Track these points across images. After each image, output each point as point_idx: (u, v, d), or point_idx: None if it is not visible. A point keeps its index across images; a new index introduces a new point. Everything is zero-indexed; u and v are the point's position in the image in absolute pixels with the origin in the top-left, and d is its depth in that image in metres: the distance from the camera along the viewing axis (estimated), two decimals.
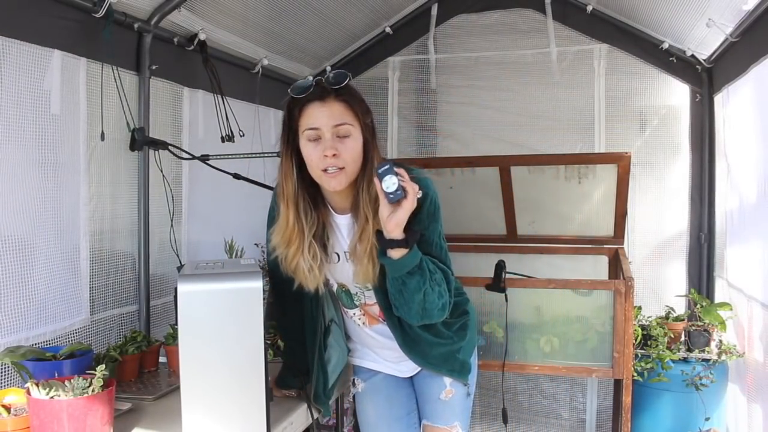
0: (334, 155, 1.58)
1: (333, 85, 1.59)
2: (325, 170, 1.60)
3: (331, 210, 1.74)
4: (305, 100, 1.60)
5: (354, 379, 2.05)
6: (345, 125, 1.59)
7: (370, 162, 1.64)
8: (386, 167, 1.53)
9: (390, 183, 1.53)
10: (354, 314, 1.88)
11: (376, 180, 1.55)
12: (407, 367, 1.95)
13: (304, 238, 1.67)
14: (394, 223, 1.55)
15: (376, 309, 1.82)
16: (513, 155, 3.24)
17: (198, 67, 2.70)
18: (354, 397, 2.07)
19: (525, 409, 3.59)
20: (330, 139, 1.58)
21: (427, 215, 1.66)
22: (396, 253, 1.59)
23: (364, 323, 1.89)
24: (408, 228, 1.58)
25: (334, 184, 1.62)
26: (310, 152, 1.60)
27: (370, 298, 1.80)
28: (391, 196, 1.53)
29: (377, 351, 1.95)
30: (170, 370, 2.13)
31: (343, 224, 1.74)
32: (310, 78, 1.64)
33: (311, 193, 1.70)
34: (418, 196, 1.57)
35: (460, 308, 1.91)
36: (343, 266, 1.77)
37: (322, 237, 1.72)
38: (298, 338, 1.89)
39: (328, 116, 1.58)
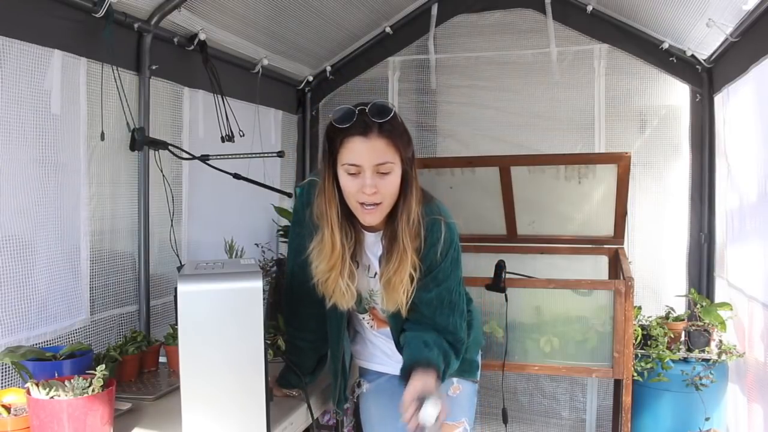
0: (374, 192, 1.57)
1: (377, 118, 1.55)
2: (362, 204, 1.59)
3: (360, 227, 1.73)
4: (348, 132, 1.56)
5: (360, 381, 2.05)
6: (387, 164, 1.57)
7: (410, 191, 1.62)
8: (432, 398, 1.51)
9: (427, 415, 1.49)
10: (364, 318, 1.89)
11: (411, 400, 1.53)
12: None
13: (345, 261, 1.67)
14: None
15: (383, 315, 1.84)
16: (513, 155, 3.24)
17: (198, 67, 2.70)
18: (357, 397, 2.07)
19: (525, 409, 3.59)
20: (370, 177, 1.56)
21: (451, 262, 1.68)
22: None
23: (372, 326, 1.90)
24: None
25: (369, 219, 1.62)
26: (348, 185, 1.59)
27: (377, 306, 1.81)
28: (423, 428, 1.50)
29: (386, 351, 1.95)
30: (170, 370, 2.13)
31: (368, 241, 1.74)
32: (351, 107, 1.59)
33: (347, 213, 1.67)
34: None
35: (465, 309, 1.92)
36: (361, 275, 1.77)
37: (357, 254, 1.73)
38: (308, 339, 1.90)
39: (370, 153, 1.55)
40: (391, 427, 1.96)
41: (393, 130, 1.57)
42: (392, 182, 1.59)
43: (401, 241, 1.62)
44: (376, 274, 1.74)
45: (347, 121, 1.55)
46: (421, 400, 1.52)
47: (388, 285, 1.67)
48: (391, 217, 1.65)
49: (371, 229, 1.72)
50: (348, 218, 1.67)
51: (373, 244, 1.73)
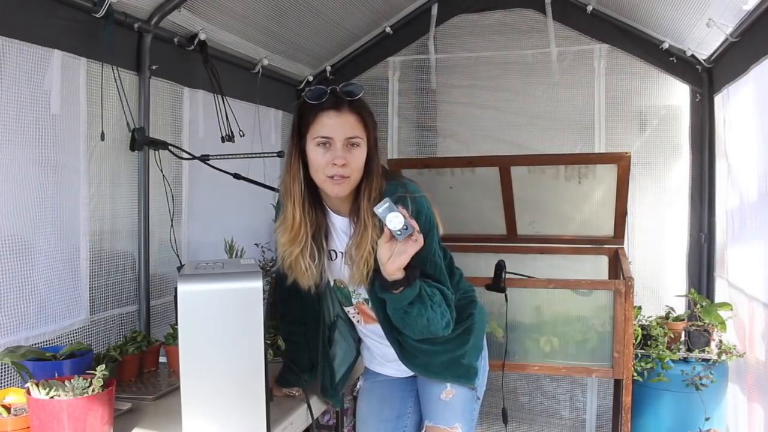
0: (343, 165, 1.61)
1: (348, 96, 1.64)
2: (330, 177, 1.63)
3: (329, 210, 1.77)
4: (320, 107, 1.64)
5: (360, 377, 2.10)
6: (356, 138, 1.64)
7: (373, 171, 1.68)
8: (386, 205, 1.53)
9: (396, 221, 1.52)
10: (349, 311, 1.91)
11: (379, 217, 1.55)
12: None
13: (307, 238, 1.71)
14: (396, 267, 1.58)
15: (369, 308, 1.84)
16: (513, 155, 3.24)
17: (198, 67, 2.70)
18: (358, 394, 2.12)
19: (525, 408, 3.59)
20: (341, 149, 1.62)
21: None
22: (396, 290, 1.62)
23: (358, 321, 1.91)
24: (408, 264, 1.59)
25: (337, 191, 1.66)
26: (318, 158, 1.64)
27: (364, 297, 1.82)
28: (400, 233, 1.53)
29: (378, 353, 1.96)
30: (170, 370, 2.13)
31: (340, 225, 1.77)
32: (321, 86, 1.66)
33: (313, 194, 1.73)
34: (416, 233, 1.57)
35: (466, 311, 1.91)
36: (339, 264, 1.80)
37: (320, 236, 1.76)
38: (302, 332, 1.93)
39: (341, 126, 1.63)
40: (374, 427, 2.01)
41: (363, 108, 1.67)
42: (359, 156, 1.65)
43: (363, 218, 1.67)
44: None
45: (320, 98, 1.63)
46: (383, 215, 1.52)
47: (350, 260, 1.71)
48: (357, 198, 1.70)
49: (341, 213, 1.76)
50: (313, 200, 1.72)
51: (346, 229, 1.76)
